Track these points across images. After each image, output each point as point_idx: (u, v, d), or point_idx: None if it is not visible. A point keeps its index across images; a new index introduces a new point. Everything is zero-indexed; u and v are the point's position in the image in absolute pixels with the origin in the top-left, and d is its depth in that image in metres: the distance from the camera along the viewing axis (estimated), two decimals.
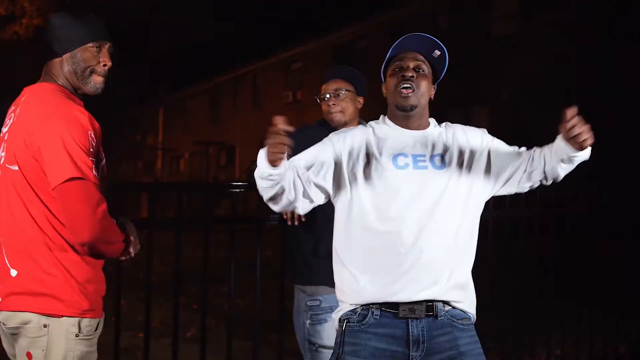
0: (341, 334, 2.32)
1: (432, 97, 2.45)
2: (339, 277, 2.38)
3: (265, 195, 2.23)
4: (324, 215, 3.04)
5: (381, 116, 2.49)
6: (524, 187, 2.43)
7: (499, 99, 16.46)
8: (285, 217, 3.14)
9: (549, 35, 15.05)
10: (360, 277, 2.28)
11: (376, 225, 2.27)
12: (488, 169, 2.37)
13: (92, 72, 2.29)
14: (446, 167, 2.34)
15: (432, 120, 2.48)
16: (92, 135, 2.18)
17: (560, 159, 2.27)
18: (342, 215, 2.37)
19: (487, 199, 2.43)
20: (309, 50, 25.73)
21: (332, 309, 3.03)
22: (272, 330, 3.86)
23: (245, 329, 3.84)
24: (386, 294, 2.24)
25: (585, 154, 2.25)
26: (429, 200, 2.28)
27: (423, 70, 2.38)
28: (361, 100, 3.29)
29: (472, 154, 2.38)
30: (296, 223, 3.12)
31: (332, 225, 3.09)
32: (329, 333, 3.04)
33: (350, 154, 2.34)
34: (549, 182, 2.39)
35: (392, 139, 2.37)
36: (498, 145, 2.43)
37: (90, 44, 2.27)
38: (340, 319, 2.36)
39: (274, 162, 2.10)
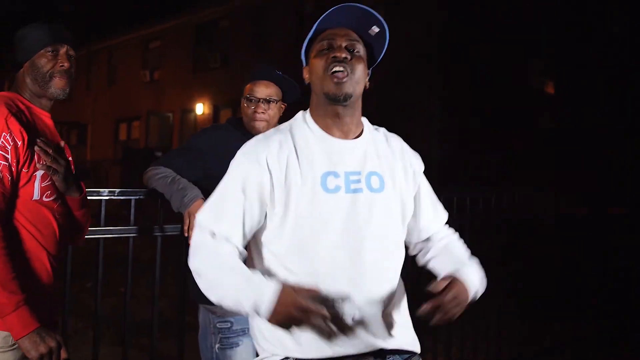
0: None
1: (367, 86, 1.96)
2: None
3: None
4: None
5: (300, 113, 2.00)
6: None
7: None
8: (186, 234, 2.75)
9: (411, 25, 15.31)
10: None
11: (299, 268, 1.82)
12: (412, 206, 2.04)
13: (52, 76, 2.23)
14: (384, 191, 1.90)
15: (365, 121, 2.01)
16: (8, 137, 2.06)
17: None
18: (262, 251, 1.91)
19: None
20: (168, 28, 24.85)
21: (244, 332, 2.79)
22: (146, 334, 3.42)
23: (117, 331, 3.40)
24: (320, 347, 1.82)
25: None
26: (362, 235, 1.84)
27: (358, 52, 1.90)
28: (284, 106, 2.99)
29: (407, 182, 2.00)
30: None
31: None
32: (241, 358, 2.79)
33: (273, 178, 1.84)
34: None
35: (318, 150, 1.88)
36: (425, 190, 2.10)
37: (46, 49, 2.24)
38: None
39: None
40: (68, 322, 2.90)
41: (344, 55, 1.85)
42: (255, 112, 2.86)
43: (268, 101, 2.86)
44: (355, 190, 1.85)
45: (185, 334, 3.17)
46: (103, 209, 2.94)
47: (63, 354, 2.03)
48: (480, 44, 14.43)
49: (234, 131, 2.87)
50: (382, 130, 2.05)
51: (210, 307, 2.83)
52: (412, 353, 1.96)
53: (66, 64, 2.25)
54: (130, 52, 26.95)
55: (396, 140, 2.04)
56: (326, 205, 1.81)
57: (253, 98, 2.87)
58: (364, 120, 2.00)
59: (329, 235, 1.81)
